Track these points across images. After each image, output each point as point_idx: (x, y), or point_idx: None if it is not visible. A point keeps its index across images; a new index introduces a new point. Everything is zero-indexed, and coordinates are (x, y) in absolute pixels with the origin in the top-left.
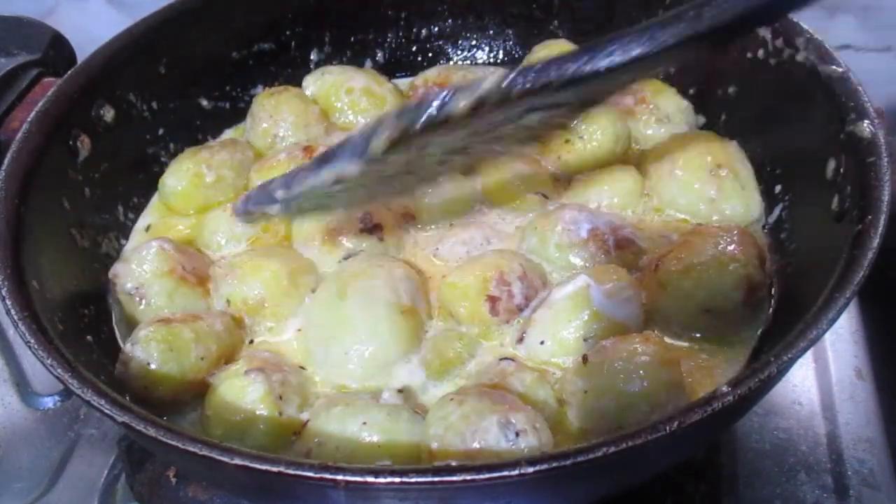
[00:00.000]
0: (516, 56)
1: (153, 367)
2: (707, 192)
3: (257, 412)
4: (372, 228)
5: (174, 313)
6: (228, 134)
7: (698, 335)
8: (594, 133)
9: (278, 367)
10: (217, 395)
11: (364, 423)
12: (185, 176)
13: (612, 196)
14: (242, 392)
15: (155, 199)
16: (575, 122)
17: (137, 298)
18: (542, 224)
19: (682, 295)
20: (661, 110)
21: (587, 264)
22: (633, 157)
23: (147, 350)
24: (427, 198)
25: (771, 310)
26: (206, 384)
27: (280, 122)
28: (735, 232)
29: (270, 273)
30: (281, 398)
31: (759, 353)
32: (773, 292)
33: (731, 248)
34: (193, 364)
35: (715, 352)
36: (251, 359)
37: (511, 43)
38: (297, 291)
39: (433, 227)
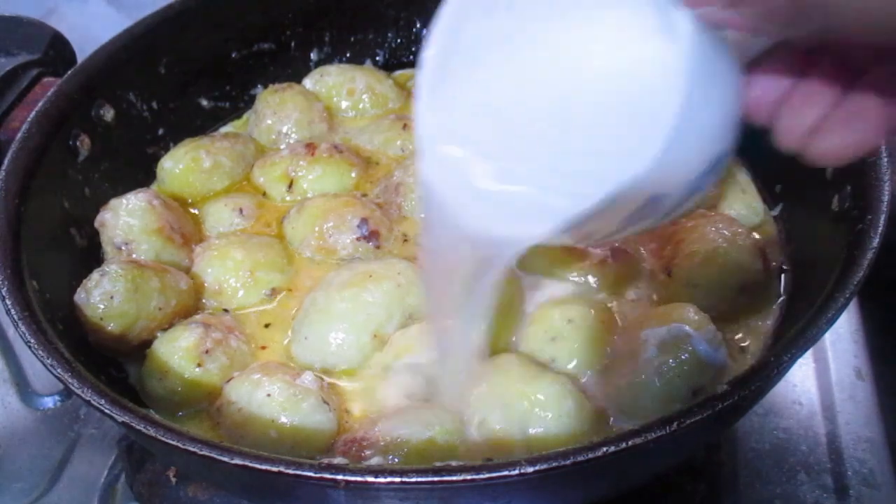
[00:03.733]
0: None
1: (115, 300)
2: (709, 200)
3: (178, 357)
4: (368, 236)
5: (147, 260)
6: (227, 129)
7: (736, 312)
8: None
9: (228, 330)
10: (160, 338)
11: (268, 395)
12: (182, 159)
13: None
14: (177, 337)
15: None
16: None
17: (125, 254)
18: (545, 243)
19: (716, 285)
20: None
21: (584, 278)
22: None
23: (115, 283)
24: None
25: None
26: (154, 337)
27: (284, 118)
28: (712, 214)
29: (233, 263)
30: (207, 353)
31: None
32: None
33: (724, 225)
34: (150, 311)
35: (749, 316)
36: (207, 316)
37: None
38: (255, 286)
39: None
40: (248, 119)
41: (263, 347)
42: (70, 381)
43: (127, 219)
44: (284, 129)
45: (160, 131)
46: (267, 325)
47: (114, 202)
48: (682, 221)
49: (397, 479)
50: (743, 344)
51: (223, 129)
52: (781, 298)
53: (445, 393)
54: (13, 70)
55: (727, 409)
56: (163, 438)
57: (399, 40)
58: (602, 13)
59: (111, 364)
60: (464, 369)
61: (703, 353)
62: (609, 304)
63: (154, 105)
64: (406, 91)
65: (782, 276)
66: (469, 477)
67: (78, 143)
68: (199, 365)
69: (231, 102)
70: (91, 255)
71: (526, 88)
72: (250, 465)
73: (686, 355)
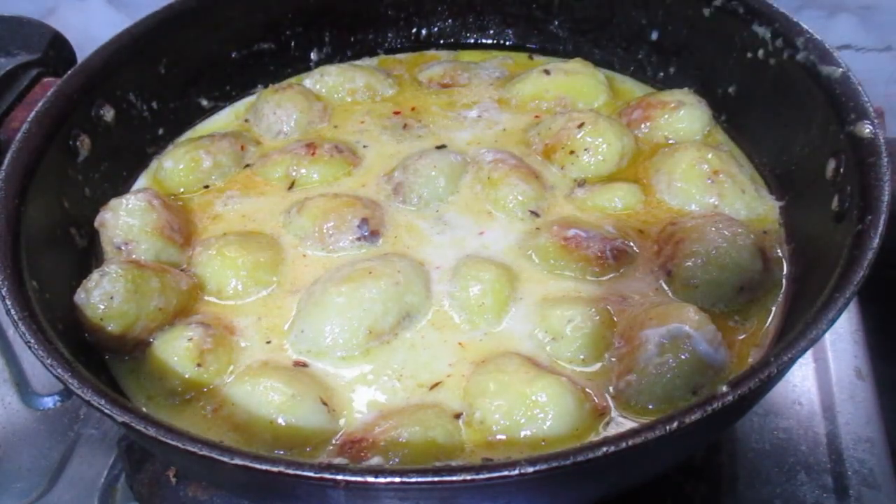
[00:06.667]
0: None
1: (115, 301)
2: (708, 199)
3: (178, 357)
4: (369, 236)
5: (147, 260)
6: (225, 112)
7: (736, 312)
8: (599, 147)
9: (228, 329)
10: (160, 338)
11: (268, 396)
12: (182, 158)
13: (613, 212)
14: (177, 336)
15: None
16: (581, 134)
17: (125, 254)
18: (545, 243)
19: (715, 285)
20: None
21: (584, 278)
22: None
23: (114, 284)
24: (421, 199)
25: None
26: (154, 336)
27: (284, 118)
28: (712, 214)
29: (232, 262)
30: (207, 352)
31: (794, 303)
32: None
33: (724, 225)
34: (151, 311)
35: (749, 316)
36: (206, 315)
37: (511, 43)
38: (255, 285)
39: (427, 224)
40: (247, 111)
41: (266, 343)
42: (70, 381)
43: (127, 219)
44: (285, 129)
45: (160, 131)
46: (266, 323)
47: (114, 202)
48: (681, 221)
49: (397, 479)
50: (743, 344)
51: (215, 118)
52: (781, 298)
53: None
54: (13, 70)
55: (727, 409)
56: (163, 438)
57: (399, 40)
58: None
59: (112, 363)
60: None
61: (703, 353)
62: (609, 304)
63: (154, 105)
64: (405, 87)
65: (782, 275)
66: (469, 477)
67: (78, 143)
68: (198, 364)
69: (231, 103)
70: (91, 255)
71: None
72: (250, 465)
73: (686, 355)
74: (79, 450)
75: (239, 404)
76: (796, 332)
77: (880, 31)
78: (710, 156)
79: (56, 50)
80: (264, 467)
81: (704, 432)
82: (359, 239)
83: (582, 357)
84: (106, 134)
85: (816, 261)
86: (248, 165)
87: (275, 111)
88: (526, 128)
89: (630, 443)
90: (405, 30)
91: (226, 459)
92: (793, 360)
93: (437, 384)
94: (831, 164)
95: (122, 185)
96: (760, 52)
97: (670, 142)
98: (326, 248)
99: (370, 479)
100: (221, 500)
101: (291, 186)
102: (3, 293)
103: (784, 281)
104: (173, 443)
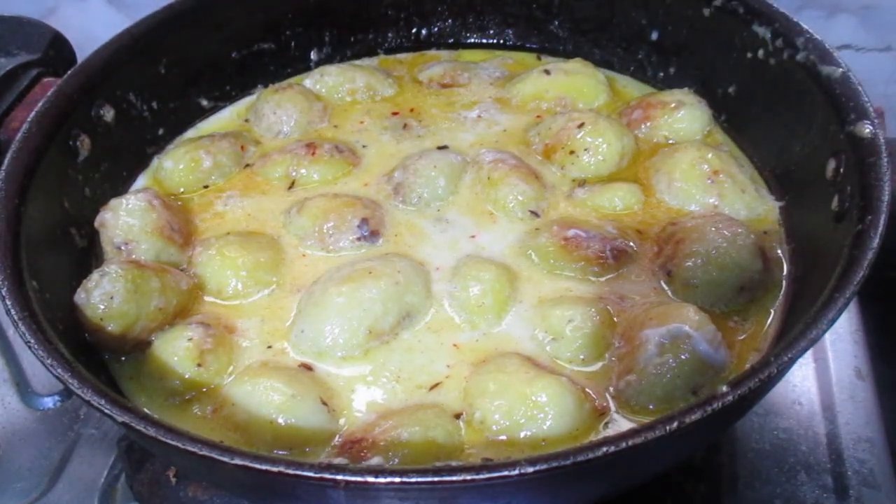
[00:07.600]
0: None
1: (115, 301)
2: (708, 199)
3: (178, 357)
4: (369, 236)
5: (147, 260)
6: (227, 112)
7: (736, 313)
8: (599, 147)
9: (228, 329)
10: (161, 338)
11: (268, 396)
12: (182, 158)
13: (613, 212)
14: (177, 336)
15: None
16: (581, 134)
17: (125, 254)
18: (545, 243)
19: (715, 285)
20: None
21: (584, 278)
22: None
23: (114, 284)
24: (419, 198)
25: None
26: (154, 336)
27: (284, 118)
28: (712, 214)
29: (232, 262)
30: (207, 352)
31: (794, 303)
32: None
33: (724, 225)
34: (151, 311)
35: (749, 316)
36: (206, 316)
37: (511, 43)
38: (255, 285)
39: (427, 224)
40: (248, 111)
41: (266, 344)
42: (70, 381)
43: (127, 219)
44: (285, 129)
45: (160, 131)
46: (267, 323)
47: (114, 202)
48: (681, 221)
49: (397, 479)
50: (743, 344)
51: (215, 118)
52: (781, 298)
53: None
54: (13, 70)
55: (727, 409)
56: (163, 438)
57: (399, 40)
58: None
59: (112, 363)
60: None
61: (703, 353)
62: (609, 304)
63: (154, 105)
64: (405, 87)
65: (782, 275)
66: (469, 477)
67: (78, 143)
68: (199, 364)
69: (231, 103)
70: (91, 255)
71: None
72: (250, 465)
73: (686, 355)
74: (79, 450)
75: (239, 404)
76: (796, 332)
77: (880, 31)
78: (710, 156)
79: (56, 50)
80: (264, 467)
81: (704, 432)
82: (359, 239)
83: (582, 357)
84: (106, 134)
85: (816, 261)
86: (248, 165)
87: (275, 111)
88: (526, 128)
89: (630, 443)
90: (405, 30)
91: (226, 459)
92: (793, 361)
93: (437, 384)
94: (831, 164)
95: (122, 185)
96: (760, 52)
97: (670, 142)
98: (326, 248)
99: (370, 479)
100: (221, 500)
101: (291, 186)
102: (3, 293)
103: (784, 281)
104: (173, 443)
